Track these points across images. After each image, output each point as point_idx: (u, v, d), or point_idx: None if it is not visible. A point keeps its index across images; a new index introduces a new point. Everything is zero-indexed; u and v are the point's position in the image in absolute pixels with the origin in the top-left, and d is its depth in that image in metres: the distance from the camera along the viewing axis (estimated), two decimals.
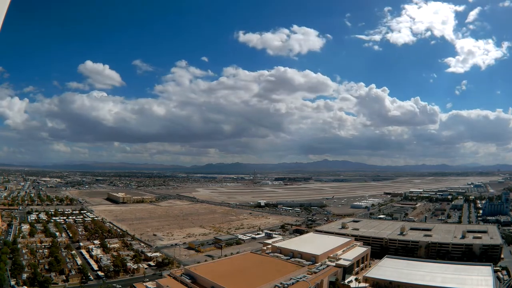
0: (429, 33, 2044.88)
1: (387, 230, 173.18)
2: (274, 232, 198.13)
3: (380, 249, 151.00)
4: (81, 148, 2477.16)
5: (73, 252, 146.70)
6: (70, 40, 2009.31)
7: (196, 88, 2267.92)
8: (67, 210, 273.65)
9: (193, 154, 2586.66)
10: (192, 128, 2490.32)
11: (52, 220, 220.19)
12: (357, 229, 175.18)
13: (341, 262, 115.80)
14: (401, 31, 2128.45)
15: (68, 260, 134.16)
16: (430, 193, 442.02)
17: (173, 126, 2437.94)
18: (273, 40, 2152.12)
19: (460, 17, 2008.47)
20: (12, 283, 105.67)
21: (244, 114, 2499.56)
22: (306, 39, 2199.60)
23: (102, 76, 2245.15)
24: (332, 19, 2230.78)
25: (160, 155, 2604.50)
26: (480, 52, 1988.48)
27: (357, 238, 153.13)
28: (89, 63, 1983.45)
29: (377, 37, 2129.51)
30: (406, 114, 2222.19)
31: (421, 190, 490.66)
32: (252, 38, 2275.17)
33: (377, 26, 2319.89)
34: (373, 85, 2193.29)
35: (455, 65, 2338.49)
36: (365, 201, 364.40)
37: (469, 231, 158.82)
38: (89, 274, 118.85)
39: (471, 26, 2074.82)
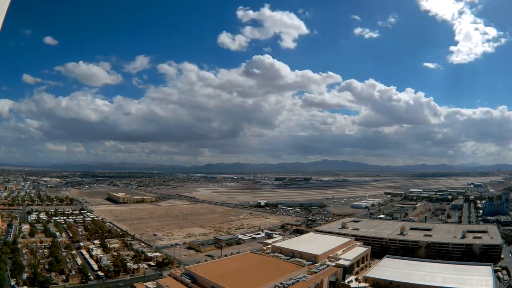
0: (422, 13, 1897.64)
1: (387, 230, 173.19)
2: (274, 232, 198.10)
3: (380, 249, 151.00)
4: (79, 148, 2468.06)
5: (73, 252, 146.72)
6: (55, 38, 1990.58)
7: (187, 88, 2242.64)
8: (67, 210, 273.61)
9: (191, 154, 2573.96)
10: (187, 128, 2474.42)
11: (52, 220, 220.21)
12: (357, 229, 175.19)
13: (341, 262, 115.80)
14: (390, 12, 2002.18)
15: (68, 260, 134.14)
16: (430, 193, 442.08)
17: (168, 125, 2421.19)
18: (256, 33, 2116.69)
19: None
20: (12, 283, 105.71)
21: (237, 113, 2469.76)
22: (288, 29, 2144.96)
23: (91, 75, 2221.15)
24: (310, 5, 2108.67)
25: (158, 155, 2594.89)
26: (480, 37, 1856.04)
27: (357, 238, 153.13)
28: (80, 62, 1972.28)
29: (357, 17, 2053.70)
30: (404, 112, 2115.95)
31: (421, 190, 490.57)
32: (236, 35, 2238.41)
33: (360, 7, 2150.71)
34: (371, 80, 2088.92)
35: (455, 54, 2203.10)
36: (365, 201, 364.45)
37: (469, 231, 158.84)
38: (89, 274, 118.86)
39: None
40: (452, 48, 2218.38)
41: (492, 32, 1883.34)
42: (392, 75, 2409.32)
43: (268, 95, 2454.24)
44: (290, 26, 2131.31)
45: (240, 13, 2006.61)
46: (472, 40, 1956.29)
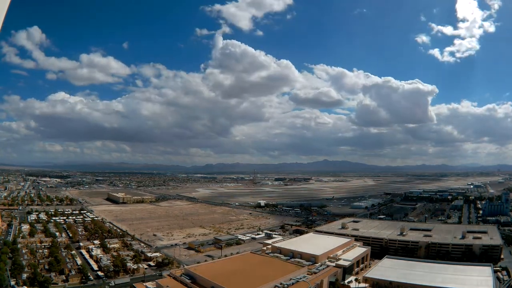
0: None
1: (387, 230, 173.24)
2: (274, 232, 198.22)
3: (380, 249, 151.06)
4: (75, 148, 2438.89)
5: (73, 252, 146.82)
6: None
7: (172, 87, 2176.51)
8: (67, 210, 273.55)
9: (185, 154, 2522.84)
10: (178, 128, 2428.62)
11: (52, 220, 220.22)
12: (357, 229, 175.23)
13: (341, 262, 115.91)
14: None
15: (68, 260, 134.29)
16: (430, 193, 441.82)
17: (159, 125, 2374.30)
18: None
19: None
20: (12, 283, 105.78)
21: (223, 112, 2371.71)
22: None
23: (77, 74, 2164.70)
24: None
25: (153, 155, 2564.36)
26: (480, 14, 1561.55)
27: (357, 238, 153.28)
28: (65, 61, 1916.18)
29: None
30: (400, 109, 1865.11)
31: (421, 190, 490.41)
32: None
33: None
34: (359, 71, 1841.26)
35: (455, 38, 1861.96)
36: (365, 201, 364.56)
37: (469, 232, 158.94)
38: (89, 274, 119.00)
39: None
40: (450, 30, 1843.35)
41: (494, 4, 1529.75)
42: (382, 65, 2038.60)
43: (252, 92, 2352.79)
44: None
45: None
46: (471, 16, 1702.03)
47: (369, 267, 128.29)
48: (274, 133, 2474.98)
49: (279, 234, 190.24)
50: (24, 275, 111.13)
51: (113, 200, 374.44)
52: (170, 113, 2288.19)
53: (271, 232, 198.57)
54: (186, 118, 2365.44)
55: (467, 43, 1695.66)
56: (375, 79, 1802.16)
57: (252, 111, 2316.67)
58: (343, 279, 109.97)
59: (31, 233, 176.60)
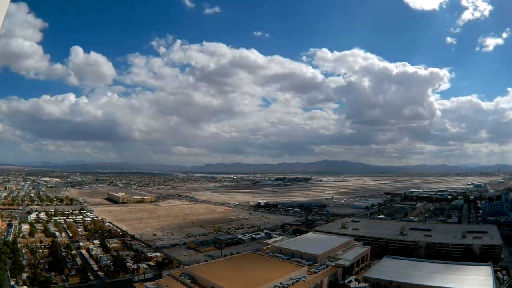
0: None
1: (387, 230, 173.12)
2: (274, 232, 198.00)
3: (380, 249, 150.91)
4: (74, 148, 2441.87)
5: (73, 252, 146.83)
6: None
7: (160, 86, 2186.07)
8: (67, 210, 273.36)
9: (179, 153, 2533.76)
10: (169, 127, 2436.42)
11: (52, 220, 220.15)
12: (357, 229, 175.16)
13: (341, 262, 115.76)
14: None
15: (68, 260, 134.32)
16: (430, 193, 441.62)
17: (149, 125, 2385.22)
18: None
19: None
20: (12, 283, 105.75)
21: (207, 109, 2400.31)
22: None
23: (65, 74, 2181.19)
24: None
25: (153, 154, 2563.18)
26: None
27: (357, 238, 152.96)
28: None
29: None
30: (397, 106, 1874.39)
31: (421, 190, 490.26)
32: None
33: None
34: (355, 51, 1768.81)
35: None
36: (365, 201, 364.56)
37: (469, 231, 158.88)
38: (89, 274, 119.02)
39: None
40: None
41: None
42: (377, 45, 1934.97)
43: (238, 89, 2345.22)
44: None
45: None
46: None
47: (369, 267, 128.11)
48: (272, 133, 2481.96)
49: (279, 234, 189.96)
50: (24, 275, 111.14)
51: (113, 200, 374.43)
52: (160, 112, 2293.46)
53: (271, 232, 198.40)
54: (180, 118, 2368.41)
55: (469, 14, 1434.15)
56: (362, 62, 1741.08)
57: (241, 108, 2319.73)
58: (343, 278, 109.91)
59: (31, 233, 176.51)
